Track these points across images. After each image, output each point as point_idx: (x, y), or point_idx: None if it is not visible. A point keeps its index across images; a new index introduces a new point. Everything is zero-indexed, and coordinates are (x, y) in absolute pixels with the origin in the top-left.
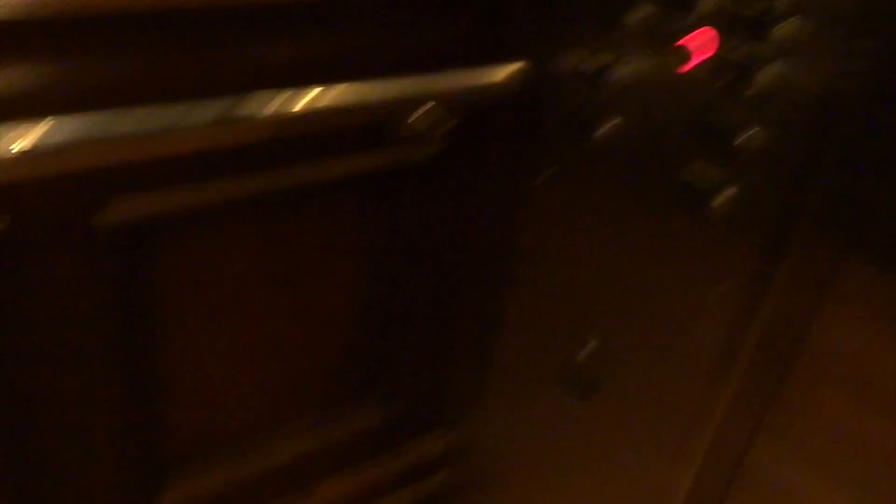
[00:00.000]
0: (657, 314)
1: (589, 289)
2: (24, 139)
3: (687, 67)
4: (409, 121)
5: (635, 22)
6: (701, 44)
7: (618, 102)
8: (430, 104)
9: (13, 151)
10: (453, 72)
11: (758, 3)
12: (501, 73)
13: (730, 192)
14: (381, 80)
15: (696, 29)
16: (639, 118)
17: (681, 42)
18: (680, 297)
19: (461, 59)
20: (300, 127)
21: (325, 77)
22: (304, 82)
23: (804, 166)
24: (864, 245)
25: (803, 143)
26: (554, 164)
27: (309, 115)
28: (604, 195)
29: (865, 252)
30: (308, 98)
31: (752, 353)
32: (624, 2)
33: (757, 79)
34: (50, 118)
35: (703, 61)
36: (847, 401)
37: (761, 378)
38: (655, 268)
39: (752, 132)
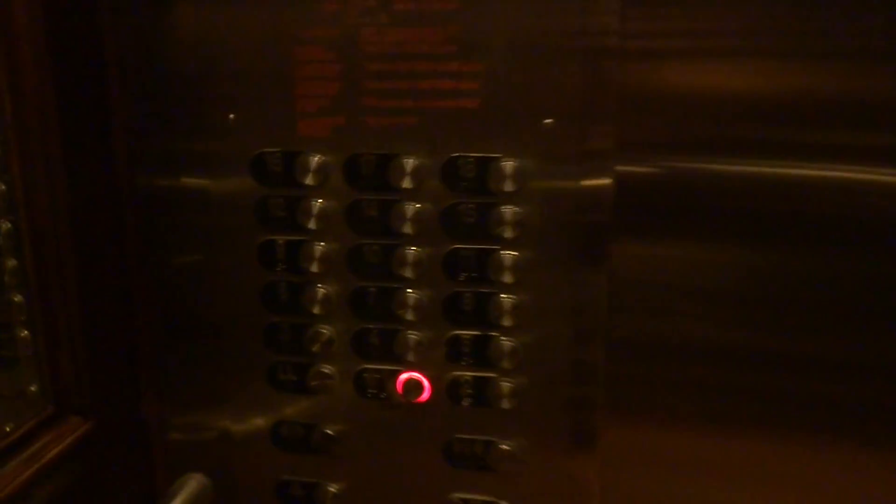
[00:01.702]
0: None
1: None
2: None
3: (418, 400)
4: None
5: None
6: (410, 388)
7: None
8: None
9: None
10: None
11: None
12: None
13: None
14: None
15: (402, 375)
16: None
17: (392, 390)
18: None
19: None
20: None
21: None
22: None
23: None
24: None
25: None
26: None
27: None
28: None
29: None
30: None
31: None
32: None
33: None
34: None
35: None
36: None
37: None
38: None
39: (509, 442)
